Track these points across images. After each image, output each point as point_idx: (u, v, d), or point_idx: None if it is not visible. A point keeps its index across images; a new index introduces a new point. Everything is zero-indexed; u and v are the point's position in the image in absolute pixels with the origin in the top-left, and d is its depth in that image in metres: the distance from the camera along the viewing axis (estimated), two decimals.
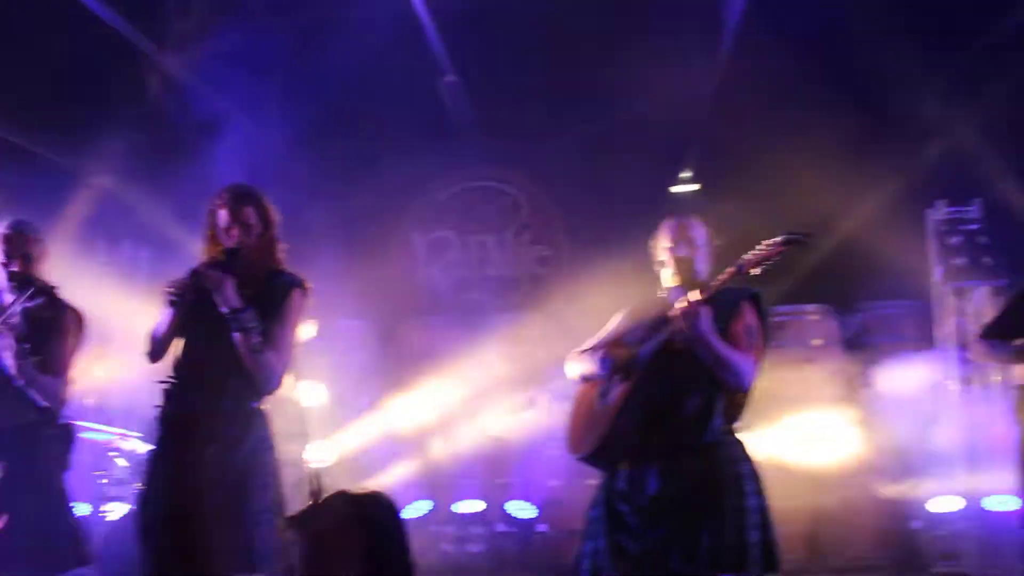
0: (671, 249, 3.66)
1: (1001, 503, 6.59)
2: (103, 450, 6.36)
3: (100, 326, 6.19)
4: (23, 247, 4.08)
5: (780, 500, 3.61)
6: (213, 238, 3.74)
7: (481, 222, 9.50)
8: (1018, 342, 4.55)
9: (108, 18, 7.03)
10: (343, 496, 2.22)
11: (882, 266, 7.70)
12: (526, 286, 9.26)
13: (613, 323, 3.82)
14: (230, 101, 7.42)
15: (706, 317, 3.36)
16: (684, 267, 3.64)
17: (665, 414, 3.46)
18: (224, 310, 3.55)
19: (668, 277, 3.68)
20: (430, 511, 7.59)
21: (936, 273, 7.42)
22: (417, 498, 7.62)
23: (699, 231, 3.69)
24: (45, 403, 3.96)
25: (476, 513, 7.58)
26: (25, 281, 4.03)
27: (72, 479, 4.15)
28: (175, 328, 3.67)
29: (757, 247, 3.39)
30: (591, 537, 3.54)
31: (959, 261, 7.26)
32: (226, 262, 3.64)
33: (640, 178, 8.42)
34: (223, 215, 3.69)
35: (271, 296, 3.69)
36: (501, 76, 8.37)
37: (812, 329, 7.79)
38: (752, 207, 6.49)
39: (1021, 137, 7.41)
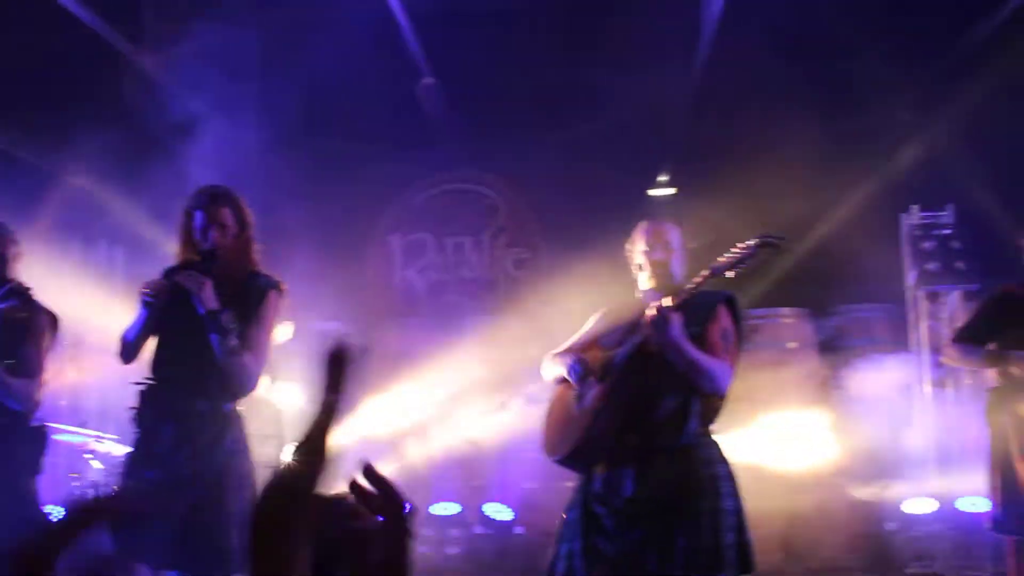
0: (647, 252, 3.67)
1: (974, 505, 6.66)
2: (77, 452, 6.31)
3: (75, 327, 6.17)
4: None
5: (755, 502, 3.63)
6: (188, 239, 3.73)
7: (458, 224, 9.49)
8: (990, 346, 4.59)
9: (84, 18, 6.99)
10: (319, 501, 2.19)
11: (857, 270, 7.76)
12: (503, 289, 9.27)
13: (589, 325, 3.83)
14: (206, 102, 7.39)
15: (677, 323, 3.37)
16: (660, 270, 3.65)
17: (641, 416, 3.47)
18: (202, 312, 3.54)
19: (644, 280, 3.70)
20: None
21: (910, 277, 7.49)
22: None
23: (674, 234, 3.71)
24: (17, 406, 3.93)
25: (453, 515, 7.58)
26: None
27: (46, 482, 4.11)
28: (149, 329, 3.66)
29: (732, 250, 3.41)
30: (567, 539, 3.55)
31: (932, 265, 7.33)
32: (204, 263, 3.63)
33: (617, 181, 8.45)
34: (200, 216, 3.68)
35: (248, 298, 3.68)
36: (479, 79, 8.37)
37: (787, 332, 7.84)
38: (729, 211, 6.51)
39: (994, 143, 7.49)
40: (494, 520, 7.50)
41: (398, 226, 9.56)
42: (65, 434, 6.07)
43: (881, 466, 7.24)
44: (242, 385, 3.64)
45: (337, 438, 1.40)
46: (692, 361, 3.38)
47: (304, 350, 6.97)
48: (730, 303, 3.59)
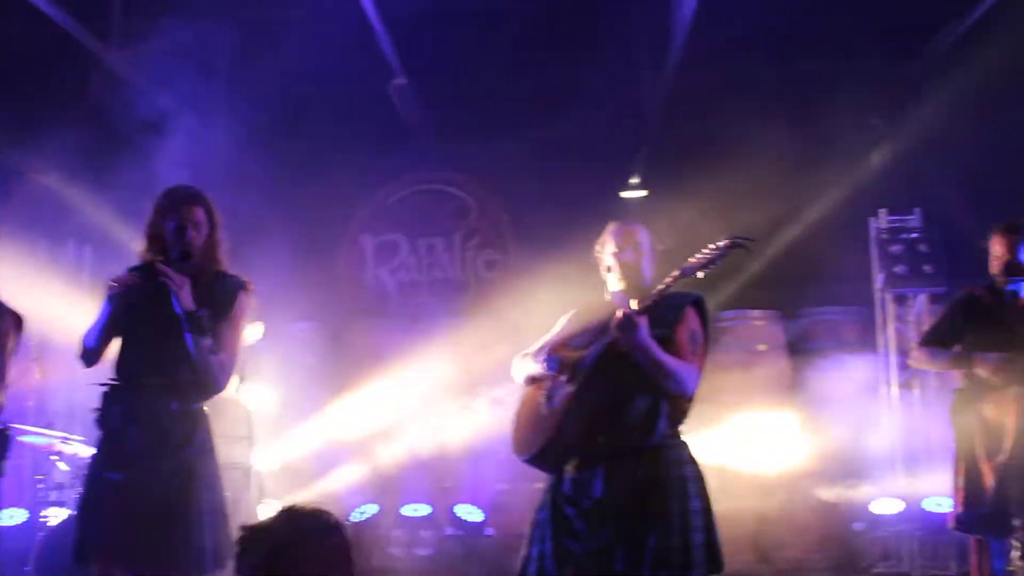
0: (616, 254, 3.68)
1: (939, 505, 6.73)
2: (43, 454, 6.24)
3: (41, 327, 6.11)
4: None
5: (724, 502, 3.65)
6: (157, 238, 3.70)
7: (430, 225, 9.48)
8: (956, 349, 4.65)
9: (51, 14, 6.92)
10: (287, 515, 2.18)
11: (825, 272, 7.83)
12: (474, 290, 9.27)
13: (559, 326, 3.84)
14: (176, 99, 7.33)
15: (643, 327, 3.38)
16: (629, 272, 3.66)
17: (610, 417, 3.48)
18: (180, 311, 3.53)
19: (614, 281, 3.71)
20: (377, 514, 7.56)
21: (878, 280, 7.55)
22: (364, 502, 7.59)
23: (644, 236, 3.72)
24: None
25: (424, 516, 7.57)
26: None
27: (9, 484, 4.07)
28: (112, 330, 3.62)
29: (701, 251, 3.42)
30: (537, 540, 3.55)
31: (900, 268, 7.40)
32: (179, 263, 3.61)
33: (589, 183, 8.48)
34: (175, 216, 3.65)
35: (219, 297, 3.67)
36: (451, 79, 8.37)
37: (757, 334, 7.90)
38: (700, 213, 6.56)
39: (961, 147, 7.57)
40: (465, 521, 7.49)
41: (370, 226, 9.54)
42: (31, 436, 6.00)
43: (848, 467, 7.31)
44: (215, 385, 3.64)
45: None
46: (659, 363, 3.39)
47: (275, 350, 6.94)
48: (698, 305, 3.61)
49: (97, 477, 3.60)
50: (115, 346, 3.68)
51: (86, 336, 3.64)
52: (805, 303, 8.15)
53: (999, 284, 4.55)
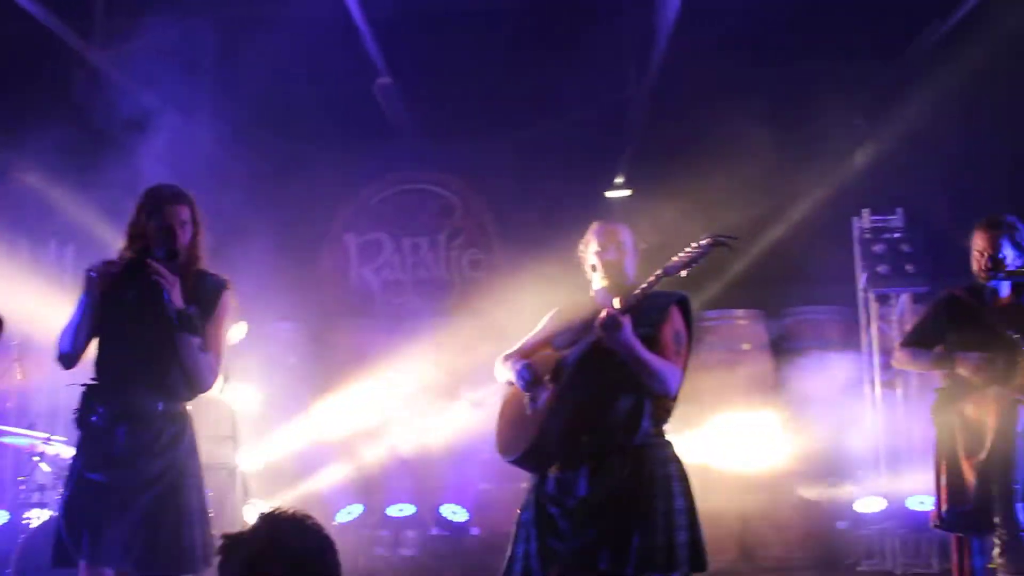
0: (599, 253, 3.69)
1: (922, 503, 6.77)
2: (25, 455, 6.21)
3: (23, 327, 6.07)
4: None
5: (708, 501, 3.66)
6: (140, 236, 3.67)
7: (414, 225, 9.47)
8: (937, 349, 4.68)
9: (34, 12, 6.88)
10: (267, 521, 2.17)
11: (809, 272, 7.87)
12: (458, 289, 9.26)
13: (542, 325, 3.84)
14: (159, 98, 7.31)
15: (626, 326, 3.39)
16: (613, 271, 3.67)
17: (594, 417, 3.48)
18: (171, 310, 3.52)
19: (597, 280, 3.72)
20: (362, 515, 7.55)
21: (861, 279, 7.59)
22: (350, 502, 7.58)
23: (627, 235, 3.73)
24: None
25: (409, 516, 7.56)
26: None
27: None
28: (90, 326, 3.59)
29: (684, 250, 3.43)
30: (522, 540, 3.55)
31: (882, 268, 7.43)
32: (166, 262, 3.59)
33: (573, 183, 8.49)
34: (159, 215, 3.63)
35: (202, 297, 3.66)
36: (436, 79, 8.36)
37: (740, 333, 7.93)
38: (683, 213, 6.57)
39: (943, 147, 7.62)
40: (450, 521, 7.49)
41: (354, 226, 9.52)
42: (12, 436, 5.96)
43: (831, 465, 7.34)
44: (204, 384, 3.64)
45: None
46: (643, 362, 3.40)
47: (259, 349, 6.92)
48: (683, 304, 3.62)
49: (80, 478, 3.57)
50: (95, 345, 3.65)
51: (61, 339, 3.60)
52: (788, 302, 8.18)
53: (980, 281, 4.57)
